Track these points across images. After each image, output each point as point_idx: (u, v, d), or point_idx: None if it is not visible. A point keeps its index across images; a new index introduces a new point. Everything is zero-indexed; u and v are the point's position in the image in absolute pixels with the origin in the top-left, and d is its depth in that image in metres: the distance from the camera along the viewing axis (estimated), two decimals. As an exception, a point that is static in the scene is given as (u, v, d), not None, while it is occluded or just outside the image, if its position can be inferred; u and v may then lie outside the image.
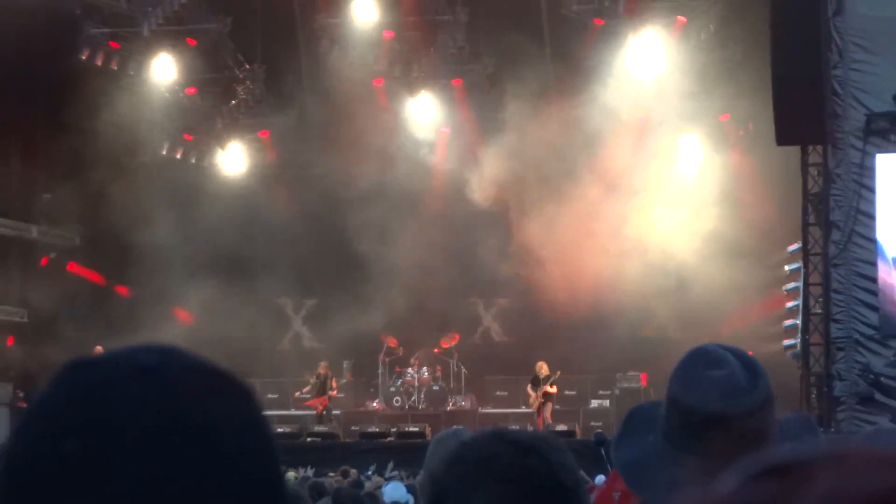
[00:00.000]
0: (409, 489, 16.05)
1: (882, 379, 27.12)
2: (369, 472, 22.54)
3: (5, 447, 1.59)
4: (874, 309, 27.34)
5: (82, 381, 1.56)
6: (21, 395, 31.64)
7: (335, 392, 31.20)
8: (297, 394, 31.95)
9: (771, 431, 3.37)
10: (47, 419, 1.54)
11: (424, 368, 32.21)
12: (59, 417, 1.53)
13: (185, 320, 32.18)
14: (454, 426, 11.97)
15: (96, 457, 1.50)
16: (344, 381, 32.14)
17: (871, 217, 27.28)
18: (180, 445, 1.51)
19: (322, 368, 30.82)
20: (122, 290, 33.63)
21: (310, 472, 22.99)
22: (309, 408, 31.42)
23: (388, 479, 19.63)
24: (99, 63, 32.56)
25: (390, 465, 23.52)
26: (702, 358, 3.37)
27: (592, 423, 29.40)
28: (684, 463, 3.29)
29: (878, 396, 26.77)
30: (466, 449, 2.76)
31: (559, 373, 30.10)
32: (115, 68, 32.84)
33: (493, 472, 2.64)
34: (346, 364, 32.53)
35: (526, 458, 2.70)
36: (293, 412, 32.11)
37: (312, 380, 31.13)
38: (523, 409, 30.87)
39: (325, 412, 30.80)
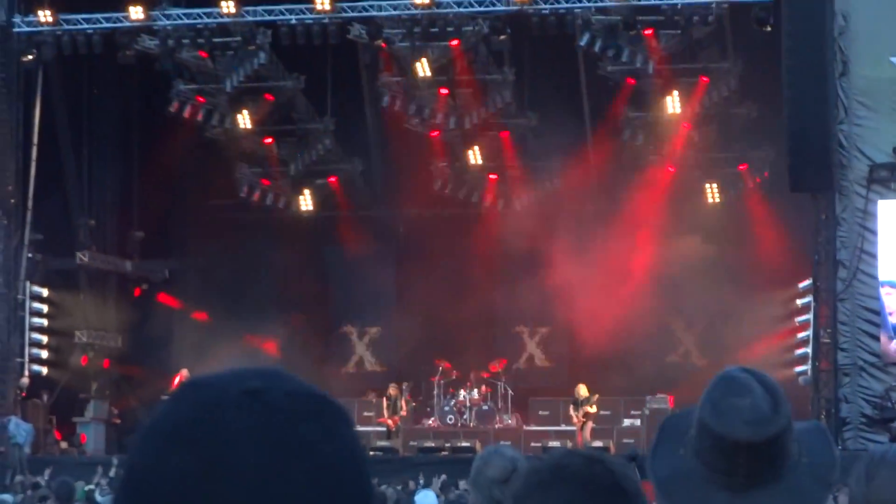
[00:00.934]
0: (446, 498, 16.82)
1: (884, 402, 28.19)
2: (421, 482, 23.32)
3: (125, 459, 1.62)
4: (876, 339, 28.46)
5: (195, 401, 1.59)
6: (116, 412, 33.13)
7: (405, 412, 32.02)
8: (380, 419, 32.40)
9: (789, 451, 3.33)
10: (164, 435, 1.57)
11: (475, 390, 32.79)
12: (174, 434, 1.57)
13: (258, 345, 32.70)
14: (500, 442, 11.72)
15: (207, 471, 1.54)
16: (403, 400, 32.45)
17: (874, 256, 28.45)
18: (284, 462, 1.55)
19: (392, 390, 31.71)
20: (203, 318, 34.04)
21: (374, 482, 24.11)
22: (372, 424, 31.95)
23: (419, 489, 20.69)
24: (187, 115, 33.30)
25: (442, 478, 23.87)
26: (729, 385, 3.33)
27: (625, 441, 30.10)
28: (714, 481, 3.27)
29: (882, 417, 27.79)
30: (542, 461, 2.86)
31: (597, 395, 30.95)
32: (201, 120, 33.58)
33: (565, 478, 2.75)
34: (404, 386, 32.77)
35: (593, 467, 2.86)
36: (358, 428, 32.57)
37: (384, 400, 32.23)
38: (563, 427, 31.47)
39: (396, 429, 31.65)
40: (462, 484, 20.13)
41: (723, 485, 3.15)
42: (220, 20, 31.14)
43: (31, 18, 31.09)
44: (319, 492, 1.55)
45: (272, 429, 1.54)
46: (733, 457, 3.15)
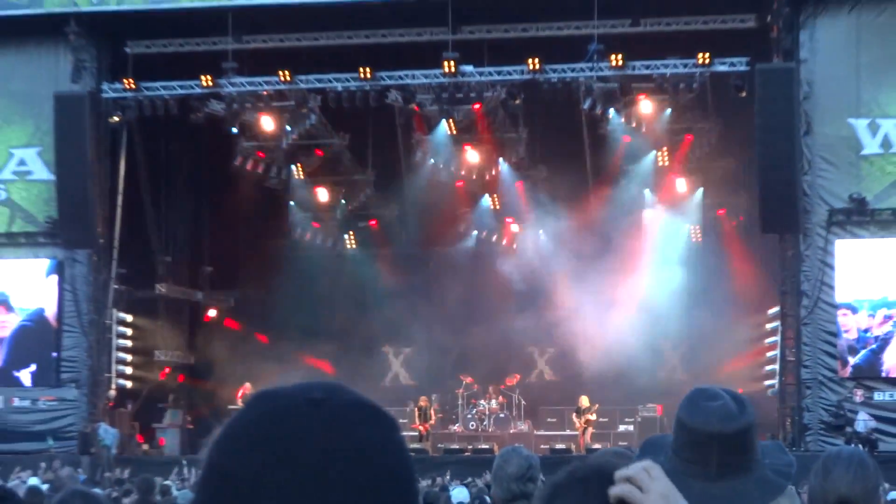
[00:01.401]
0: (471, 492, 17.02)
1: (838, 411, 29.03)
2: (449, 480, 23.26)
3: (206, 458, 1.67)
4: (834, 357, 29.42)
5: (267, 409, 1.64)
6: (189, 419, 34.19)
7: (434, 420, 32.78)
8: (413, 426, 32.56)
9: (754, 448, 3.52)
10: (240, 437, 1.63)
11: (493, 400, 33.40)
12: (248, 435, 1.62)
13: (311, 363, 33.48)
14: (514, 444, 10.51)
15: (276, 467, 1.59)
16: (432, 409, 33.14)
17: (832, 287, 29.45)
18: (344, 462, 1.59)
19: (422, 402, 32.48)
20: (263, 339, 34.78)
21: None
22: (406, 430, 31.20)
23: (452, 485, 20.65)
24: (248, 168, 34.46)
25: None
26: (703, 393, 3.52)
27: (620, 443, 29.14)
28: (691, 473, 3.40)
29: (837, 424, 28.73)
30: (582, 461, 2.75)
31: (596, 405, 31.59)
32: (261, 171, 34.74)
33: (605, 477, 2.59)
34: (433, 397, 33.49)
35: (622, 460, 2.74)
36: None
37: (416, 410, 32.68)
38: (568, 433, 32.31)
39: (426, 434, 32.49)
40: (478, 482, 20.56)
41: (699, 476, 3.36)
42: (277, 87, 31.59)
43: (117, 86, 31.80)
44: (372, 488, 1.60)
45: (334, 433, 1.59)
46: (707, 448, 3.38)
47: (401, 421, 31.50)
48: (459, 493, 16.61)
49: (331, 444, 1.59)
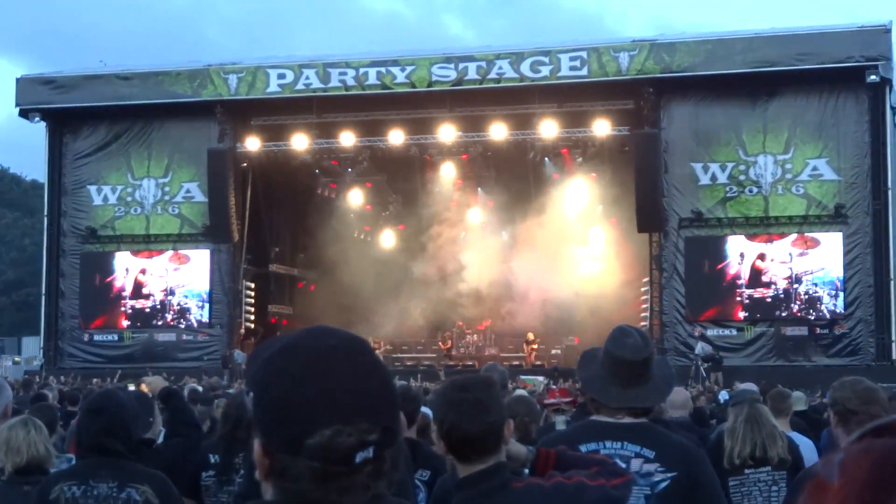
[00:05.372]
0: None
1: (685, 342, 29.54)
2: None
3: (259, 377, 1.57)
4: (683, 307, 29.66)
5: (300, 358, 1.53)
6: None
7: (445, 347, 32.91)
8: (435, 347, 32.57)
9: (652, 367, 3.42)
10: (284, 379, 1.52)
11: (476, 336, 33.69)
12: (292, 378, 1.51)
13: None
14: (492, 363, 9.94)
15: (313, 373, 1.50)
16: (441, 345, 33.09)
17: (681, 265, 29.96)
18: (349, 380, 1.51)
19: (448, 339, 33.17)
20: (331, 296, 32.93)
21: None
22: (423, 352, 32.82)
23: None
24: (325, 195, 35.42)
25: None
26: (623, 332, 3.44)
27: (552, 361, 30.94)
28: (612, 382, 3.34)
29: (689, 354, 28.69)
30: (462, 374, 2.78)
31: (538, 339, 32.04)
32: (333, 197, 35.45)
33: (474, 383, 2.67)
34: (440, 335, 33.61)
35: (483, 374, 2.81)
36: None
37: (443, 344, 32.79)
38: (520, 354, 31.96)
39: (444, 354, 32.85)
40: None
41: (616, 384, 3.37)
42: (342, 145, 31.66)
43: (246, 144, 32.01)
44: (381, 383, 1.54)
45: (350, 357, 1.53)
46: (623, 368, 3.39)
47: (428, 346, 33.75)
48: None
49: (354, 374, 1.53)
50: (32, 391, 12.93)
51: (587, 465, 2.77)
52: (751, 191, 30.20)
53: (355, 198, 35.92)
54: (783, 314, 29.72)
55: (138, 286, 33.80)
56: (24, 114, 33.13)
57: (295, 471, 1.50)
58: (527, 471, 2.83)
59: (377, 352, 1.75)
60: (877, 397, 4.30)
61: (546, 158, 32.72)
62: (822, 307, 29.54)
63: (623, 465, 3.16)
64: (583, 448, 3.32)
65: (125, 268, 33.82)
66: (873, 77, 28.29)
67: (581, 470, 2.73)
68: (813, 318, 29.54)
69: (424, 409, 5.62)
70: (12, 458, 4.59)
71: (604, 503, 2.66)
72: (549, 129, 30.86)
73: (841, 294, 29.39)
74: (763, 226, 30.15)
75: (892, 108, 29.28)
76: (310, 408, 1.52)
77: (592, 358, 3.58)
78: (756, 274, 29.95)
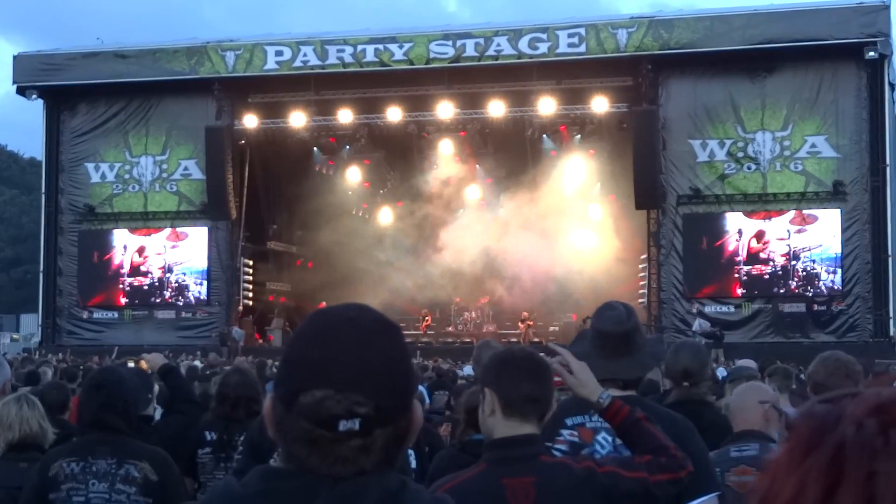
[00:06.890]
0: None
1: (684, 319, 29.48)
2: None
3: (284, 349, 1.65)
4: (681, 285, 29.68)
5: (318, 322, 1.60)
6: (287, 324, 32.38)
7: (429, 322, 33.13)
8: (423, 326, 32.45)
9: (635, 340, 3.44)
10: (300, 338, 1.61)
11: (473, 313, 33.89)
12: (306, 338, 1.59)
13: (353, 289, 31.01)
14: (487, 339, 9.02)
15: (329, 355, 1.53)
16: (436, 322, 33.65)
17: (680, 242, 29.95)
18: (367, 359, 1.54)
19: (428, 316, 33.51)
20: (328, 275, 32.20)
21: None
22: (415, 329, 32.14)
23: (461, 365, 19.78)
24: (323, 171, 35.19)
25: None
26: (607, 305, 3.51)
27: (551, 339, 28.81)
28: (598, 355, 3.35)
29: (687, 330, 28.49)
30: (510, 348, 2.79)
31: (534, 315, 32.09)
32: (331, 174, 35.32)
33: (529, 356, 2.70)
34: (435, 313, 33.91)
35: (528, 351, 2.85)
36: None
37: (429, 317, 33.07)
38: (516, 331, 31.79)
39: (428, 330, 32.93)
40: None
41: (602, 357, 3.36)
42: (340, 122, 31.69)
43: (242, 122, 32.11)
44: (388, 370, 1.55)
45: (362, 339, 1.55)
46: (606, 340, 3.41)
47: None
48: (468, 369, 16.03)
49: (360, 347, 1.56)
50: (29, 369, 12.76)
51: (652, 445, 2.89)
52: (749, 167, 30.27)
53: (353, 175, 36.12)
54: (781, 291, 29.78)
55: (136, 264, 33.77)
56: (21, 91, 33.04)
57: (288, 426, 1.59)
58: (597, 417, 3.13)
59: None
60: (846, 370, 4.36)
61: (544, 135, 32.70)
62: (820, 284, 29.61)
63: (610, 438, 3.28)
64: (568, 421, 3.41)
65: (123, 245, 33.88)
66: (872, 53, 28.35)
67: (640, 447, 2.88)
68: (811, 294, 29.57)
69: (421, 388, 5.59)
70: (4, 435, 4.61)
71: (636, 496, 2.76)
72: (547, 105, 31.00)
73: (839, 271, 29.47)
74: (761, 202, 30.15)
75: (890, 84, 29.34)
76: (311, 367, 1.58)
77: (585, 335, 3.64)
78: (754, 251, 29.94)
